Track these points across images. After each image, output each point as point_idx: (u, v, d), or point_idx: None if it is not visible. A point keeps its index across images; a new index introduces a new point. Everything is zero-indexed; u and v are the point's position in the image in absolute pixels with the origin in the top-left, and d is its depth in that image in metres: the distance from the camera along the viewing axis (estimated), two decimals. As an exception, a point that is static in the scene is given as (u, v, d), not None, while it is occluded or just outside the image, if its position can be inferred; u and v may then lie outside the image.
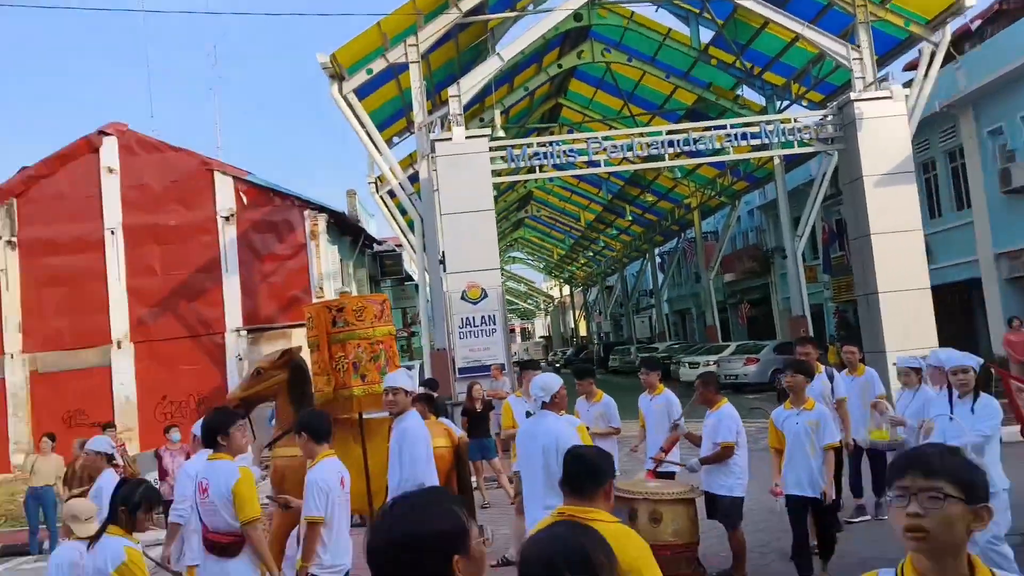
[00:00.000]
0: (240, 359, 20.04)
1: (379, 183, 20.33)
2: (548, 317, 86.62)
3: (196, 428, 6.23)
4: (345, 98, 17.17)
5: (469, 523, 1.78)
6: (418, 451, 5.35)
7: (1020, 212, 19.01)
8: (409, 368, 5.81)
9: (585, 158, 18.17)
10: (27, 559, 11.42)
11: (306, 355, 6.77)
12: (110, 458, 6.27)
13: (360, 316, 6.06)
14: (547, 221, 48.11)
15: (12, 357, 20.22)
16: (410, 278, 30.38)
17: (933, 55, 17.10)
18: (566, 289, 75.59)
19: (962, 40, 20.80)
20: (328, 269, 20.54)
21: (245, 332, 20.26)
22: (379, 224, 31.07)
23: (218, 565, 4.48)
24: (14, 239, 20.43)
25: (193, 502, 5.02)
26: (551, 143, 17.66)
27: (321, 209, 20.59)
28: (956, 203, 21.93)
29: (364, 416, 6.17)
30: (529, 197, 41.14)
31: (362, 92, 17.72)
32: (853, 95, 16.59)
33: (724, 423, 6.74)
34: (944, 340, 14.61)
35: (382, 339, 6.18)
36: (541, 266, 68.96)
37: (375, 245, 27.38)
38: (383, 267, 28.02)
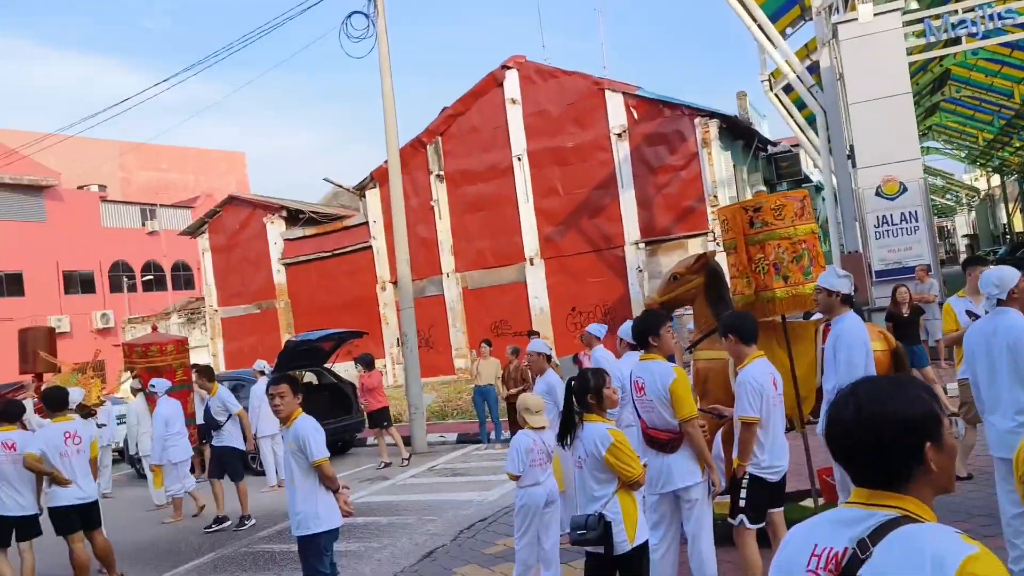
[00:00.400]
0: (640, 271, 20.73)
1: (772, 80, 19.19)
2: (973, 213, 75.98)
3: (622, 332, 6.50)
4: (734, -8, 16.33)
5: (942, 411, 1.63)
6: (855, 355, 4.97)
7: None
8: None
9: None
10: (478, 446, 13.25)
11: (721, 259, 6.65)
12: (548, 358, 6.86)
13: (779, 215, 5.73)
14: (969, 103, 41.46)
15: (448, 276, 23.34)
16: (808, 179, 28.54)
17: None
18: (995, 179, 65.31)
19: None
20: (721, 176, 20.13)
21: (643, 244, 20.84)
22: (772, 125, 29.68)
23: (659, 459, 4.64)
24: (442, 173, 23.29)
25: (628, 399, 5.24)
26: (979, 6, 14.98)
27: (712, 115, 20.14)
28: None
29: (787, 320, 5.91)
30: (946, 77, 35.79)
31: (751, -17, 16.70)
32: None
33: None
34: None
35: (804, 238, 5.79)
36: (962, 155, 60.03)
37: (769, 147, 26.13)
38: (778, 170, 26.62)
